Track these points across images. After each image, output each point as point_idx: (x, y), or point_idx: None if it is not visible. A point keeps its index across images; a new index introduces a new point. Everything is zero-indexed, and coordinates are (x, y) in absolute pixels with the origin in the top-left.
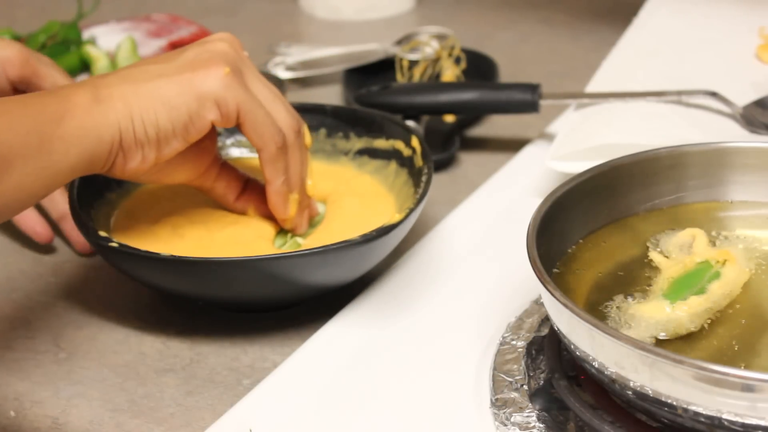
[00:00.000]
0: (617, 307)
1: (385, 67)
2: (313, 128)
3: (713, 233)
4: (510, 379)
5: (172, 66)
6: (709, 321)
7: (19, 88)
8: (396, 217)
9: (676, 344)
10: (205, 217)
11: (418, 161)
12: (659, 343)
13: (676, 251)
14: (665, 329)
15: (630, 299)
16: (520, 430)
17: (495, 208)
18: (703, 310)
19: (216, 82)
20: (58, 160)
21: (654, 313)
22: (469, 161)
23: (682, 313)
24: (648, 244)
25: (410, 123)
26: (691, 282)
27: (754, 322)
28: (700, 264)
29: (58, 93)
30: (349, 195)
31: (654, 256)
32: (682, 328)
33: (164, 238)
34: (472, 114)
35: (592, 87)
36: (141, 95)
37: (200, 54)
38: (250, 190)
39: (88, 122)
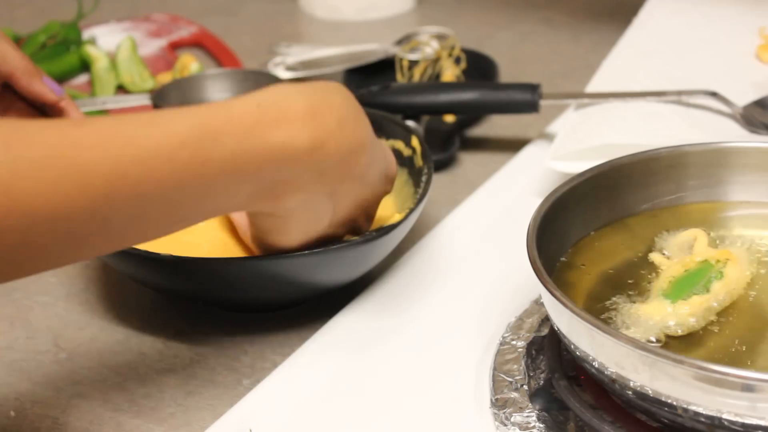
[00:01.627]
0: (617, 307)
1: (385, 67)
2: None
3: (714, 233)
4: (510, 379)
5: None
6: (710, 321)
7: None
8: (396, 217)
9: (677, 344)
10: None
11: (418, 161)
12: (660, 343)
13: (677, 251)
14: (666, 329)
15: (630, 299)
16: (520, 430)
17: (495, 208)
18: (705, 309)
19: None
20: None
21: (655, 312)
22: (469, 161)
23: (683, 313)
24: (650, 244)
25: (410, 123)
26: (693, 282)
27: (756, 322)
28: (700, 264)
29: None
30: None
31: (654, 256)
32: (683, 328)
33: (165, 238)
34: (472, 114)
35: (592, 87)
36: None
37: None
38: None
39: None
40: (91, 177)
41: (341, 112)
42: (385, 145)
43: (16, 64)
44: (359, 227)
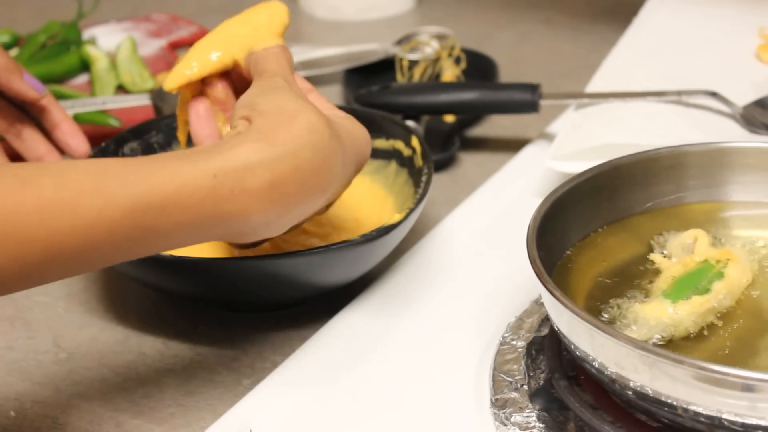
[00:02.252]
0: (618, 307)
1: (385, 67)
2: None
3: (714, 233)
4: (510, 379)
5: None
6: (711, 321)
7: None
8: (396, 217)
9: (678, 344)
10: None
11: (418, 161)
12: (661, 343)
13: (677, 251)
14: (667, 329)
15: (631, 299)
16: (520, 430)
17: (495, 208)
18: (706, 310)
19: (270, 232)
20: None
21: (656, 313)
22: (469, 161)
23: (683, 313)
24: (650, 244)
25: (410, 123)
26: (693, 282)
27: (756, 322)
28: (701, 264)
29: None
30: (349, 195)
31: (655, 256)
32: (684, 328)
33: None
34: (472, 114)
35: (592, 87)
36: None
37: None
38: None
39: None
40: (27, 245)
41: (306, 176)
42: (358, 135)
43: None
44: (335, 197)
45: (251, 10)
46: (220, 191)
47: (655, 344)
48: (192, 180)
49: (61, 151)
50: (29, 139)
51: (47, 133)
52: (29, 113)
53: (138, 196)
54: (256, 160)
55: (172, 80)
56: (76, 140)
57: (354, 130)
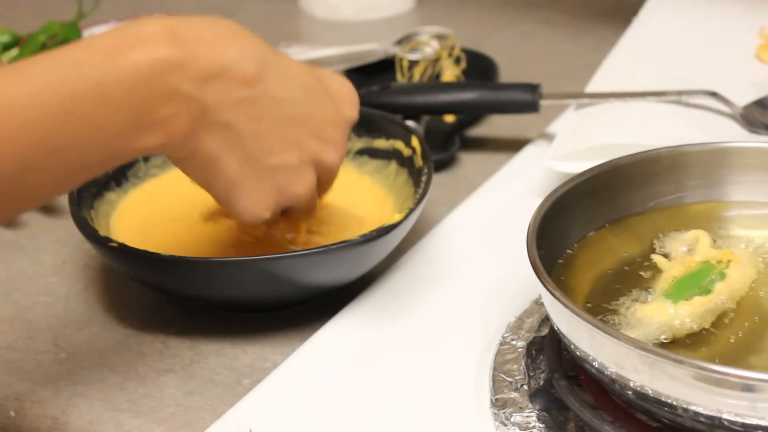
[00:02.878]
0: (618, 307)
1: (385, 67)
2: None
3: (714, 234)
4: (510, 379)
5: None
6: (712, 322)
7: None
8: (396, 217)
9: (679, 345)
10: (204, 217)
11: (418, 161)
12: (662, 343)
13: (679, 252)
14: (668, 329)
15: (631, 299)
16: (520, 430)
17: (495, 208)
18: (707, 310)
19: (253, 215)
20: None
21: (657, 313)
22: (469, 161)
23: (684, 314)
24: (650, 244)
25: (410, 123)
26: (694, 282)
27: (757, 322)
28: (702, 264)
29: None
30: (349, 195)
31: (656, 257)
32: (685, 328)
33: (165, 238)
34: (472, 114)
35: (592, 87)
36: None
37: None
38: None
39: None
40: None
41: (205, 30)
42: (326, 70)
43: None
44: (322, 156)
45: None
46: (121, 43)
47: (655, 344)
48: (94, 42)
49: None
50: None
51: None
52: None
53: (52, 66)
54: (148, 20)
55: None
56: None
57: (341, 88)
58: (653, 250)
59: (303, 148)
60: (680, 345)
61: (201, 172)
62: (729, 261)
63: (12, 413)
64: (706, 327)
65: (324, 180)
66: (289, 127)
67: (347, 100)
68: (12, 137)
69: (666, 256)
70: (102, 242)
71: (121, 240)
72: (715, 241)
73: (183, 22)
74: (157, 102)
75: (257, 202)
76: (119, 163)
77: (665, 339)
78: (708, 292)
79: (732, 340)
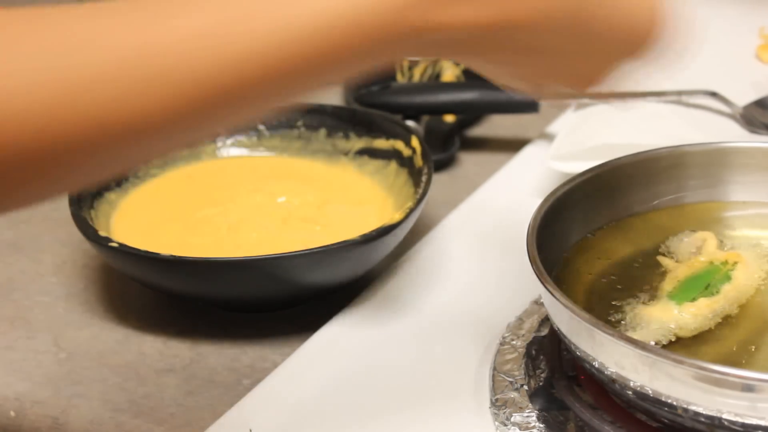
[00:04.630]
0: (619, 308)
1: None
2: (313, 128)
3: (716, 234)
4: (510, 379)
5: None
6: (717, 323)
7: None
8: (396, 217)
9: (683, 346)
10: (205, 217)
11: (418, 161)
12: (666, 344)
13: (685, 253)
14: (672, 330)
15: (632, 300)
16: (520, 430)
17: (495, 208)
18: (712, 312)
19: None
20: None
21: (661, 314)
22: (469, 161)
23: (689, 315)
24: (649, 244)
25: (410, 123)
26: (699, 283)
27: (762, 324)
28: (707, 266)
29: None
30: (349, 195)
31: (662, 258)
32: (689, 329)
33: (165, 238)
34: (472, 114)
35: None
36: None
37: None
38: None
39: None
40: (196, 77)
41: None
42: None
43: None
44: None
45: None
46: None
47: (656, 344)
48: None
49: None
50: None
51: None
52: None
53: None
54: None
55: None
56: None
57: None
58: (659, 252)
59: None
60: (681, 345)
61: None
62: (735, 263)
63: (12, 413)
64: (711, 329)
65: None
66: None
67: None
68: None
69: (672, 257)
70: (102, 242)
71: (121, 240)
72: (722, 241)
73: None
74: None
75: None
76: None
77: (669, 340)
78: (714, 294)
79: (737, 342)
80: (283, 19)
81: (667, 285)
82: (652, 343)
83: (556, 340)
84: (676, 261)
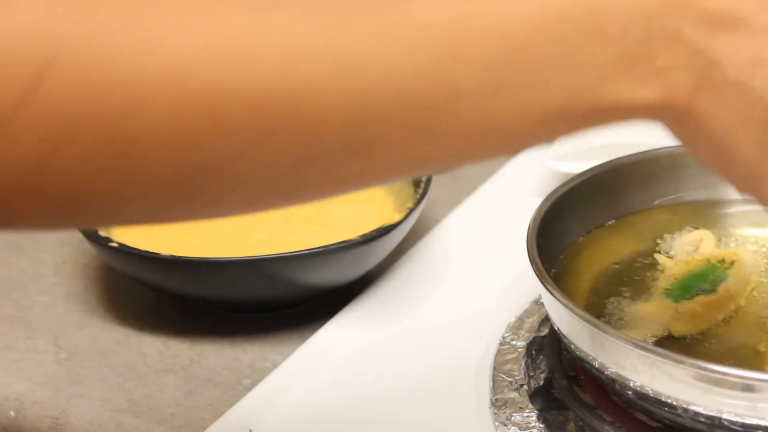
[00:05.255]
0: (619, 307)
1: None
2: None
3: (715, 233)
4: (510, 379)
5: None
6: (714, 321)
7: None
8: (396, 217)
9: (680, 344)
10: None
11: None
12: (663, 343)
13: (682, 252)
14: (668, 329)
15: (632, 299)
16: (520, 430)
17: (495, 208)
18: (709, 310)
19: None
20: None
21: (658, 312)
22: None
23: (686, 313)
24: (651, 243)
25: None
26: (696, 282)
27: (758, 322)
28: (704, 264)
29: None
30: (349, 195)
31: (659, 257)
32: (687, 328)
33: (165, 238)
34: None
35: None
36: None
37: None
38: None
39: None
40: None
41: None
42: None
43: None
44: None
45: None
46: None
47: (656, 344)
48: None
49: None
50: None
51: None
52: None
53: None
54: None
55: None
56: None
57: None
58: (656, 250)
59: None
60: (680, 345)
61: (711, 150)
62: (732, 261)
63: (12, 413)
64: (708, 327)
65: None
66: None
67: None
68: (475, 44)
69: (670, 256)
70: (102, 242)
71: (121, 240)
72: (720, 240)
73: None
74: (655, 45)
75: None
76: (586, 124)
77: (666, 338)
78: (711, 292)
79: (734, 340)
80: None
81: (664, 283)
82: (649, 340)
83: (556, 340)
84: (674, 259)
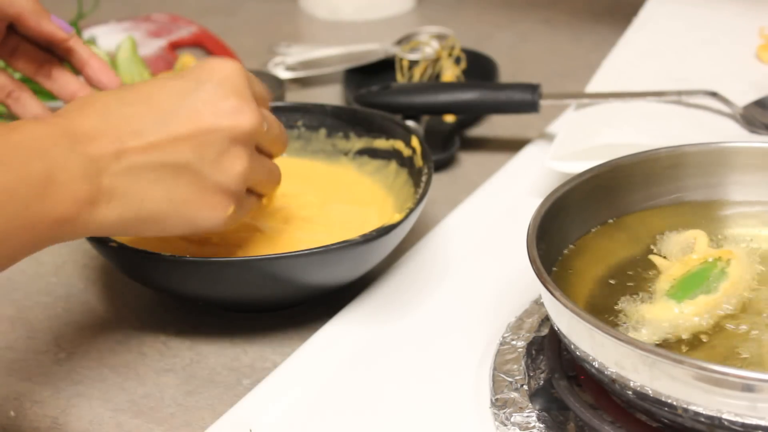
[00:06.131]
0: (619, 307)
1: (385, 67)
2: (313, 128)
3: (714, 233)
4: (510, 379)
5: (182, 184)
6: (715, 321)
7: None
8: (396, 217)
9: (679, 345)
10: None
11: (418, 161)
12: (662, 343)
13: (677, 252)
14: (673, 329)
15: (632, 299)
16: (520, 430)
17: (495, 208)
18: (711, 309)
19: (219, 222)
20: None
21: (661, 313)
22: (469, 161)
23: (689, 313)
24: (649, 244)
25: (410, 123)
26: (697, 281)
27: (759, 322)
28: (702, 263)
29: (49, 171)
30: (349, 195)
31: (654, 258)
32: (690, 328)
33: (165, 238)
34: (472, 114)
35: (592, 87)
36: (146, 200)
37: (213, 174)
38: None
39: (83, 227)
40: None
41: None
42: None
43: (24, 4)
44: (235, 127)
45: None
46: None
47: (658, 344)
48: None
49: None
50: (60, 78)
51: (76, 72)
52: (56, 55)
53: None
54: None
55: None
56: (107, 76)
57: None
58: (651, 251)
59: (212, 135)
60: (680, 345)
61: (149, 223)
62: (729, 260)
63: (12, 413)
64: (709, 326)
65: (266, 141)
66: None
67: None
68: None
69: (664, 256)
70: (102, 242)
71: (121, 240)
72: (712, 240)
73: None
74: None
75: (213, 208)
76: (41, 244)
77: (669, 339)
78: (712, 291)
79: (736, 339)
80: None
81: (664, 284)
82: (654, 342)
83: (556, 340)
84: (668, 260)
